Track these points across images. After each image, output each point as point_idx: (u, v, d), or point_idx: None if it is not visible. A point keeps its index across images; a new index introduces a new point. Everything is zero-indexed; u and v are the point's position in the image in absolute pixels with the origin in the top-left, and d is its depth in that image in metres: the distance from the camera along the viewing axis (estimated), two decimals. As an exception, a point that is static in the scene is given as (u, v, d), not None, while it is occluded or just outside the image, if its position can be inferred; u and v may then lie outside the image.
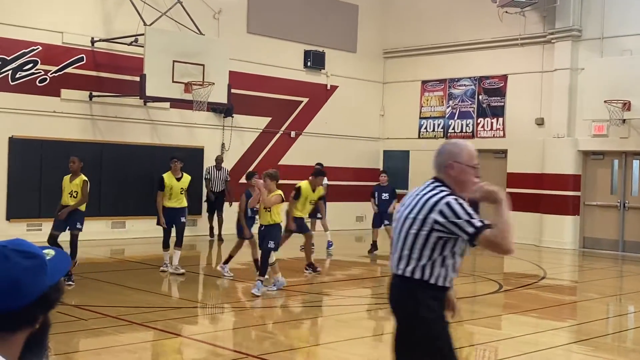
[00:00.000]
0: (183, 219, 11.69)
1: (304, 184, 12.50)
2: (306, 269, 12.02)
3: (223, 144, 18.11)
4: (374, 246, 15.06)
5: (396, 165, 21.07)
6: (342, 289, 10.80)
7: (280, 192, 10.05)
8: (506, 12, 17.99)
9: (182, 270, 11.38)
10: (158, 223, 11.60)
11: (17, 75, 14.75)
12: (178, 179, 11.64)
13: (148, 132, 16.71)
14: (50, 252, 1.82)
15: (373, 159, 21.41)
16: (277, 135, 19.29)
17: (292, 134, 19.59)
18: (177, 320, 8.33)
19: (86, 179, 10.71)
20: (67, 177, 10.81)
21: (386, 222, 14.55)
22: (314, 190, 12.45)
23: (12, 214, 14.75)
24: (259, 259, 10.21)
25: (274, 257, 9.96)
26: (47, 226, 14.83)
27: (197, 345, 7.28)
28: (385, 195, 14.85)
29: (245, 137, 18.57)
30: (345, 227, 20.45)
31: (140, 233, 16.00)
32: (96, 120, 15.94)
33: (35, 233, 14.44)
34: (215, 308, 9.32)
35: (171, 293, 10.45)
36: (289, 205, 12.09)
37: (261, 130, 18.91)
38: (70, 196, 10.62)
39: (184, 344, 7.40)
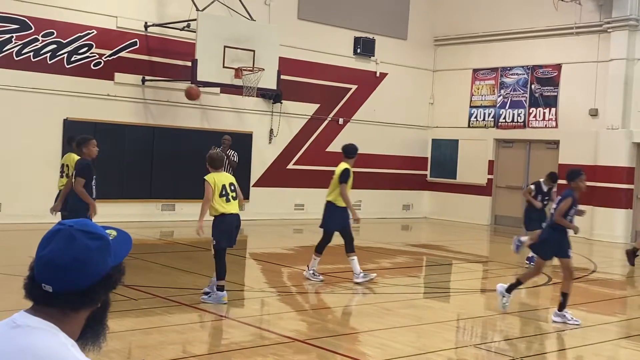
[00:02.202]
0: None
1: None
2: None
3: (271, 130, 18.22)
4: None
5: (444, 154, 20.92)
6: (388, 277, 10.79)
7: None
8: (562, 0, 17.64)
9: (321, 277, 10.00)
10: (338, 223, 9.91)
11: (73, 59, 15.07)
12: None
13: (198, 117, 16.91)
14: (112, 233, 1.86)
15: (421, 148, 21.28)
16: (325, 122, 19.32)
17: (340, 121, 19.59)
18: (225, 303, 8.44)
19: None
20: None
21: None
22: None
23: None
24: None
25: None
26: (101, 206, 15.17)
27: (243, 327, 7.38)
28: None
29: (294, 124, 18.64)
30: (392, 215, 20.41)
31: (189, 216, 16.22)
32: (148, 104, 16.19)
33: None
34: (261, 292, 9.42)
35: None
36: None
37: (309, 117, 18.97)
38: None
39: (230, 326, 7.50)
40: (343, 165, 10.02)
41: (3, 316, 1.91)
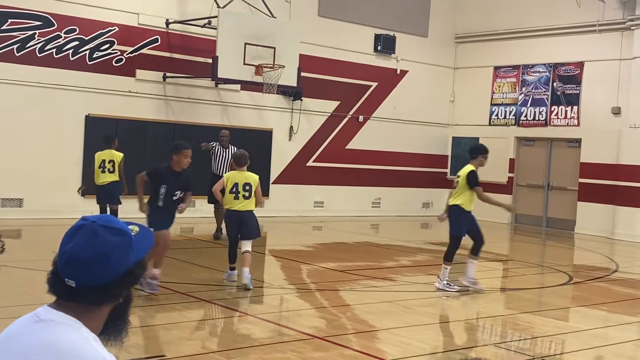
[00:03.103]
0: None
1: None
2: None
3: (291, 127, 18.24)
4: None
5: (465, 152, 20.76)
6: (407, 275, 10.77)
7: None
8: (584, -3, 17.48)
9: (483, 286, 9.59)
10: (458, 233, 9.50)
11: (94, 55, 15.18)
12: None
13: (219, 114, 16.97)
14: (134, 228, 1.88)
15: (441, 145, 21.20)
16: (345, 119, 19.30)
17: (360, 118, 19.56)
18: (244, 299, 8.48)
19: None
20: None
21: None
22: None
23: (87, 190, 15.21)
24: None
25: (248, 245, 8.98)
26: (122, 202, 15.26)
27: (262, 324, 7.40)
28: None
29: (314, 121, 18.64)
30: (412, 213, 20.37)
31: (209, 213, 16.27)
32: (169, 101, 16.28)
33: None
34: (280, 289, 9.44)
35: (238, 272, 10.59)
36: None
37: (329, 114, 18.96)
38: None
39: (250, 323, 7.52)
40: (468, 167, 9.62)
41: (26, 310, 1.93)
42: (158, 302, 7.84)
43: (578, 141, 18.55)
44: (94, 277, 1.79)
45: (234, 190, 8.91)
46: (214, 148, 13.29)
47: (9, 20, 14.18)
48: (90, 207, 14.65)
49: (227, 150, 13.28)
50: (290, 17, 17.38)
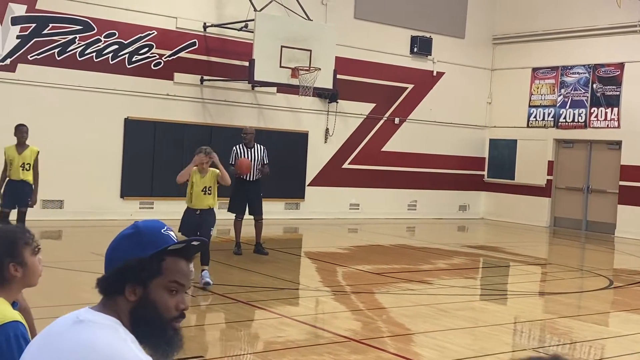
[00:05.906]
0: None
1: None
2: None
3: (327, 129, 18.25)
4: None
5: (502, 154, 20.61)
6: (444, 278, 10.70)
7: (217, 171, 9.70)
8: (625, -3, 17.19)
9: None
10: None
11: (134, 59, 15.37)
12: None
13: (255, 116, 17.05)
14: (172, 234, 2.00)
15: (478, 148, 21.02)
16: (381, 122, 19.25)
17: (396, 120, 19.49)
18: (280, 301, 8.51)
19: (38, 149, 9.99)
20: (12, 148, 10.02)
21: None
22: None
23: (126, 192, 15.43)
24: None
25: None
26: (158, 204, 15.47)
27: (299, 326, 7.41)
28: None
29: (349, 123, 18.63)
30: (448, 215, 20.22)
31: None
32: (206, 104, 16.41)
33: (147, 211, 15.09)
34: (316, 291, 9.44)
35: (274, 274, 10.63)
36: None
37: (365, 116, 18.92)
38: (22, 169, 9.93)
39: (286, 324, 7.53)
40: None
41: (65, 311, 1.96)
42: (196, 303, 7.91)
43: (618, 143, 18.24)
44: (106, 268, 1.93)
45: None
46: (234, 152, 11.85)
47: (50, 25, 14.43)
48: (129, 209, 14.88)
49: (253, 150, 11.78)
50: (326, 19, 17.41)
